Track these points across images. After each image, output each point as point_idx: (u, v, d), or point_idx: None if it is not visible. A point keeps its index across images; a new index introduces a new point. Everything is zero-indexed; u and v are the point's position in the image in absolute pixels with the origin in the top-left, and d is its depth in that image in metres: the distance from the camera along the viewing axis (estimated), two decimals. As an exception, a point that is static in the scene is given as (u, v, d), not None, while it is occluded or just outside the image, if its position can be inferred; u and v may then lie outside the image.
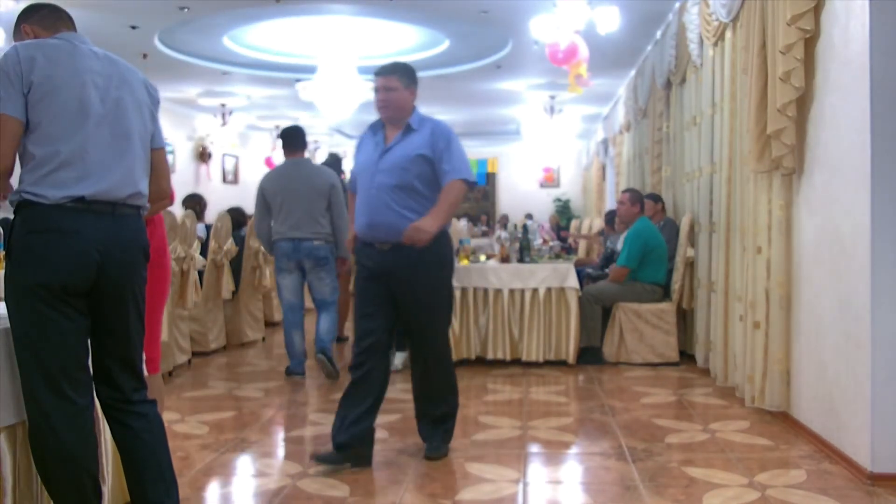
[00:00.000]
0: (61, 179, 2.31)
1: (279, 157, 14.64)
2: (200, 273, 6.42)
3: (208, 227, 7.20)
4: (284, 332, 5.80)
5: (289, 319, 5.72)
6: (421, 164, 3.59)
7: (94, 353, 2.50)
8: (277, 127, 15.12)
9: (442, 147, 3.60)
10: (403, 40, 9.38)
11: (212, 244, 6.76)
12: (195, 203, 7.62)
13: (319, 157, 17.60)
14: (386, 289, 3.65)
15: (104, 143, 2.40)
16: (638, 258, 6.24)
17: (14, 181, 2.39)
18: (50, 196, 2.30)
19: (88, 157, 2.36)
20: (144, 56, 9.25)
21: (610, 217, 8.31)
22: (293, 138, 5.79)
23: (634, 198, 6.58)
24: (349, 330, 6.65)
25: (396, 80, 3.65)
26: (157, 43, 8.89)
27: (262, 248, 5.78)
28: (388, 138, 3.67)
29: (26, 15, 2.55)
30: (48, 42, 2.40)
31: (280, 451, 3.99)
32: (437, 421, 3.83)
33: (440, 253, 3.66)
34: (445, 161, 3.60)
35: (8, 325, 2.38)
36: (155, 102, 2.64)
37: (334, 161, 7.07)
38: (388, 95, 3.64)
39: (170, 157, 13.45)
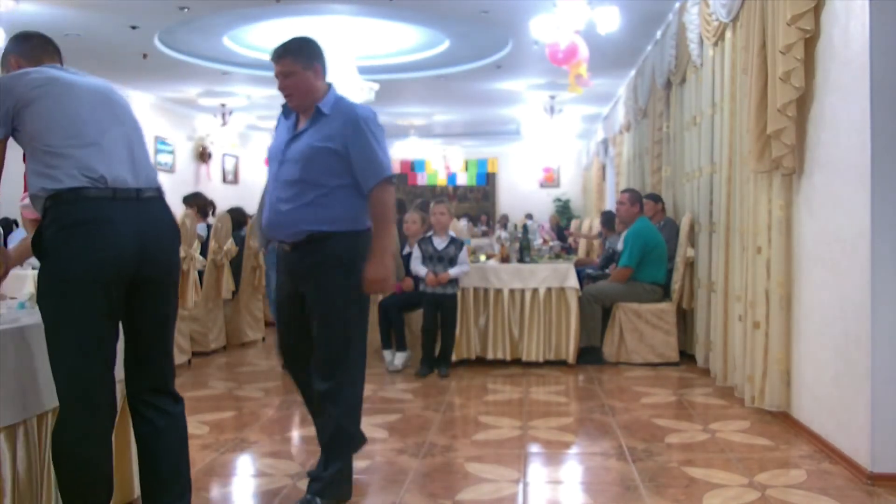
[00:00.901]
0: (74, 164, 2.32)
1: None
2: (200, 273, 6.43)
3: (209, 227, 7.20)
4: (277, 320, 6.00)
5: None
6: (328, 158, 3.05)
7: (130, 344, 2.51)
8: (278, 127, 15.11)
9: (355, 139, 3.04)
10: (403, 40, 9.38)
11: (212, 244, 6.76)
12: (204, 202, 7.64)
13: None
14: (300, 298, 3.16)
15: (106, 133, 2.42)
16: (638, 258, 6.25)
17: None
18: (67, 182, 2.30)
19: (94, 140, 2.38)
20: (144, 56, 9.25)
21: (605, 218, 8.35)
22: None
23: (634, 198, 6.58)
24: None
25: (291, 61, 3.08)
26: (157, 43, 8.89)
27: (257, 244, 6.07)
28: (300, 123, 3.17)
29: (14, 44, 2.63)
30: (36, 73, 2.45)
31: (280, 451, 3.99)
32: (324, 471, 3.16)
33: (347, 256, 3.08)
34: (362, 160, 3.05)
35: (12, 326, 2.40)
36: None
37: None
38: (286, 82, 3.10)
39: (170, 157, 13.47)
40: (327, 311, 3.08)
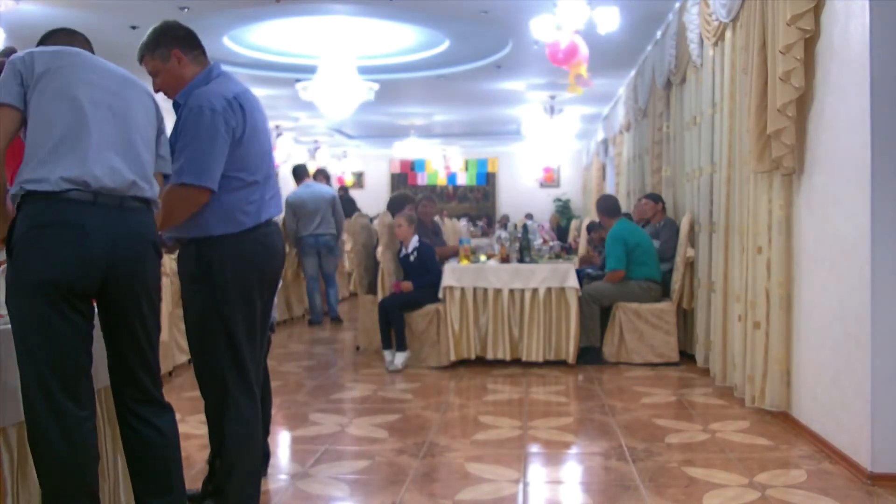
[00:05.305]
0: (58, 160, 2.25)
1: (278, 158, 14.83)
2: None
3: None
4: (308, 293, 8.72)
5: (311, 286, 8.65)
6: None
7: (110, 352, 2.45)
8: (278, 127, 15.11)
9: (179, 130, 2.72)
10: (403, 40, 9.38)
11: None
12: None
13: (319, 157, 17.73)
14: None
15: (104, 129, 2.35)
16: (623, 258, 6.26)
17: None
18: (51, 179, 2.22)
19: (86, 139, 2.30)
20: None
21: (591, 227, 8.59)
22: (302, 171, 8.89)
23: (611, 208, 6.69)
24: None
25: (150, 60, 2.84)
26: (157, 43, 8.87)
27: (290, 241, 8.40)
28: None
29: (44, 39, 2.71)
30: (55, 47, 2.50)
31: (280, 451, 3.99)
32: None
33: (189, 265, 2.78)
34: (176, 150, 2.67)
35: (8, 326, 2.33)
36: (160, 119, 2.58)
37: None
38: (156, 83, 2.86)
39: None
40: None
